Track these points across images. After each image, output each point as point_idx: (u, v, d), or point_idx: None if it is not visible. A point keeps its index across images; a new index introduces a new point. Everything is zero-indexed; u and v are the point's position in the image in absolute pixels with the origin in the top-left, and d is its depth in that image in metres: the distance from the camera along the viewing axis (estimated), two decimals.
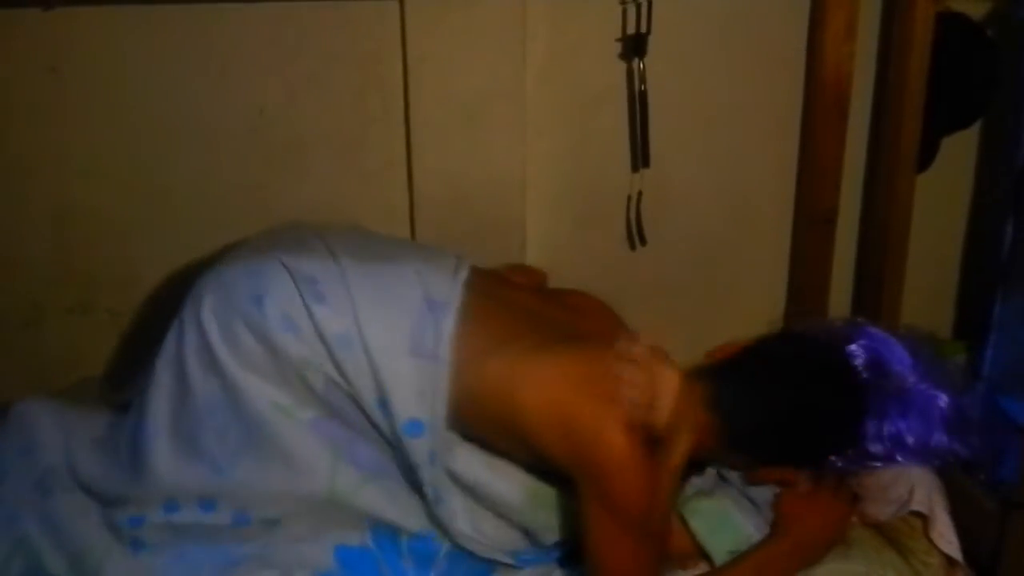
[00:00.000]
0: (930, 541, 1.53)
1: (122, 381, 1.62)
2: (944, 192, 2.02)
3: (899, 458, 1.55)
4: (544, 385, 1.38)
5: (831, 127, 1.88)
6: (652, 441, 1.39)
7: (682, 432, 1.42)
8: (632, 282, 1.95)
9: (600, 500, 1.35)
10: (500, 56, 1.77)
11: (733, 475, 1.61)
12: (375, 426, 1.43)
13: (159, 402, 1.43)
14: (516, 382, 1.39)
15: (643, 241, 1.92)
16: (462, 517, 1.46)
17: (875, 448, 1.51)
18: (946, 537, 1.52)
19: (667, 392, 1.43)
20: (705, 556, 1.52)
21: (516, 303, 1.55)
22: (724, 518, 1.53)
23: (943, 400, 1.54)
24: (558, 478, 1.45)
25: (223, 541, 1.42)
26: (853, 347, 1.53)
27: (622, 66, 1.82)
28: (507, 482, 1.46)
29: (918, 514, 1.55)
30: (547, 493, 1.47)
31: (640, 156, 1.85)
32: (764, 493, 1.57)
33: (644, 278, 1.97)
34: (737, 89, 1.90)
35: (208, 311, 1.42)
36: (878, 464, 1.57)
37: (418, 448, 1.41)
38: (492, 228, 1.86)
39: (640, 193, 1.89)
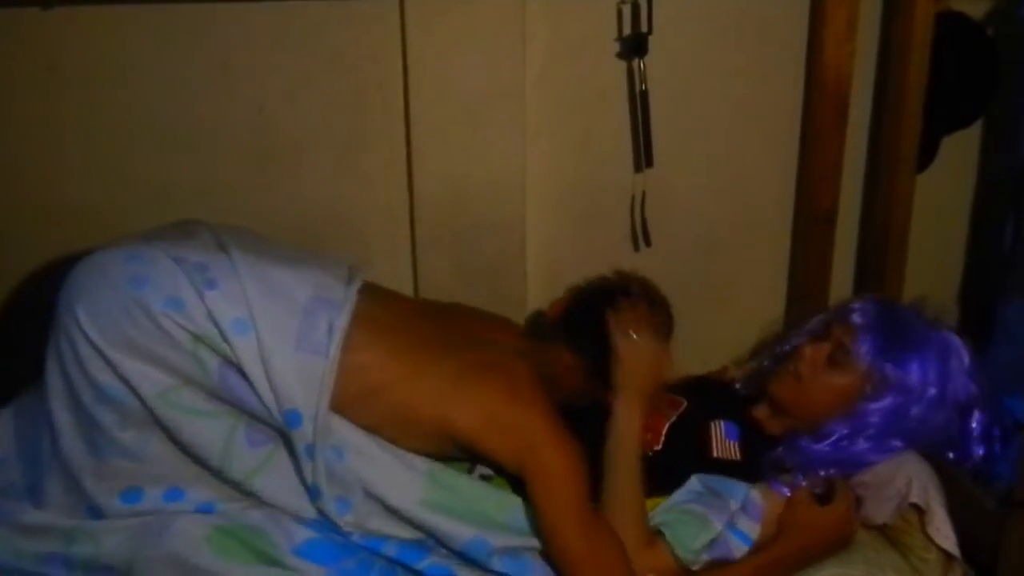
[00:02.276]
0: (927, 536, 1.53)
1: None
2: (945, 192, 2.02)
3: (918, 405, 1.57)
4: (477, 405, 1.48)
5: (831, 127, 1.88)
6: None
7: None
8: None
9: (546, 479, 1.44)
10: (500, 56, 1.77)
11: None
12: (268, 409, 1.42)
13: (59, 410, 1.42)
14: (449, 406, 1.47)
15: (648, 242, 1.92)
16: (351, 511, 1.44)
17: (899, 378, 1.58)
18: (943, 532, 1.53)
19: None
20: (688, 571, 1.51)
21: (412, 312, 1.62)
22: (688, 515, 1.53)
23: (955, 340, 1.64)
24: (453, 485, 1.49)
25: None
26: (853, 304, 1.67)
27: (623, 66, 1.82)
28: (399, 488, 1.46)
29: (915, 508, 1.55)
30: (441, 498, 1.47)
31: (643, 156, 1.85)
32: (735, 489, 1.58)
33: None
34: (738, 89, 1.90)
35: (85, 302, 1.39)
36: (898, 443, 1.58)
37: (297, 439, 1.41)
38: (492, 228, 1.86)
39: (644, 193, 1.89)
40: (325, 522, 1.44)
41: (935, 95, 1.85)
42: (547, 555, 1.47)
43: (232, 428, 1.42)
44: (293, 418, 1.41)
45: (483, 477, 1.56)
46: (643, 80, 1.79)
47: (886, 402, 1.59)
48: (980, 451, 1.63)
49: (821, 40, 1.83)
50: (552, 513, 1.44)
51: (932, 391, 1.60)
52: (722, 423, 1.69)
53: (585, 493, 1.46)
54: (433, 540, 1.47)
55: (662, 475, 1.59)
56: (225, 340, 1.39)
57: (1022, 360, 1.84)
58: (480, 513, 1.47)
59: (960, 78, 1.88)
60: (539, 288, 1.94)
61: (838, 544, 1.54)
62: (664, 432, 1.66)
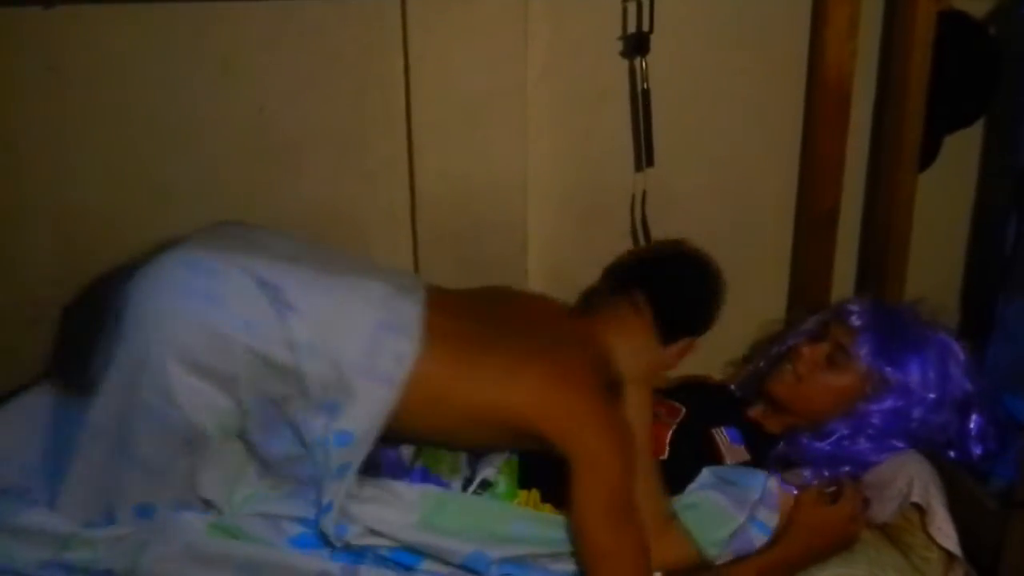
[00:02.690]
0: (928, 536, 1.54)
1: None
2: (946, 191, 2.02)
3: (918, 406, 1.58)
4: (529, 390, 1.48)
5: (833, 126, 1.88)
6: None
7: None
8: None
9: (588, 465, 1.44)
10: (501, 54, 1.77)
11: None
12: (294, 429, 1.44)
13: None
14: (504, 393, 1.48)
15: (648, 242, 1.92)
16: (349, 533, 1.45)
17: (903, 378, 1.61)
18: (944, 531, 1.53)
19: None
20: (703, 560, 1.51)
21: (466, 309, 1.60)
22: (708, 506, 1.53)
23: (950, 340, 1.66)
24: (447, 502, 1.49)
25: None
26: (849, 305, 1.68)
27: (624, 65, 1.82)
28: (393, 515, 1.47)
29: (916, 507, 1.55)
30: (436, 516, 1.47)
31: (644, 155, 1.85)
32: (753, 479, 1.58)
33: None
34: (739, 87, 1.90)
35: (154, 313, 1.39)
36: (899, 444, 1.59)
37: (336, 457, 1.42)
38: (493, 227, 1.86)
39: (644, 193, 1.89)
40: (312, 521, 1.44)
41: (937, 94, 1.85)
42: (552, 560, 1.47)
43: (246, 460, 1.45)
44: (344, 438, 1.42)
45: (483, 482, 1.55)
46: (644, 79, 1.79)
47: (886, 403, 1.60)
48: (978, 450, 1.64)
49: (823, 39, 1.83)
50: (586, 499, 1.44)
51: (931, 391, 1.61)
52: (723, 430, 1.69)
53: (625, 485, 1.46)
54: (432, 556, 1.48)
55: (672, 482, 1.59)
56: (297, 364, 1.39)
57: (1022, 360, 1.84)
58: (479, 527, 1.47)
59: (962, 77, 1.87)
60: (540, 287, 1.93)
61: (843, 544, 1.55)
62: (668, 441, 1.67)
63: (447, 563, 1.45)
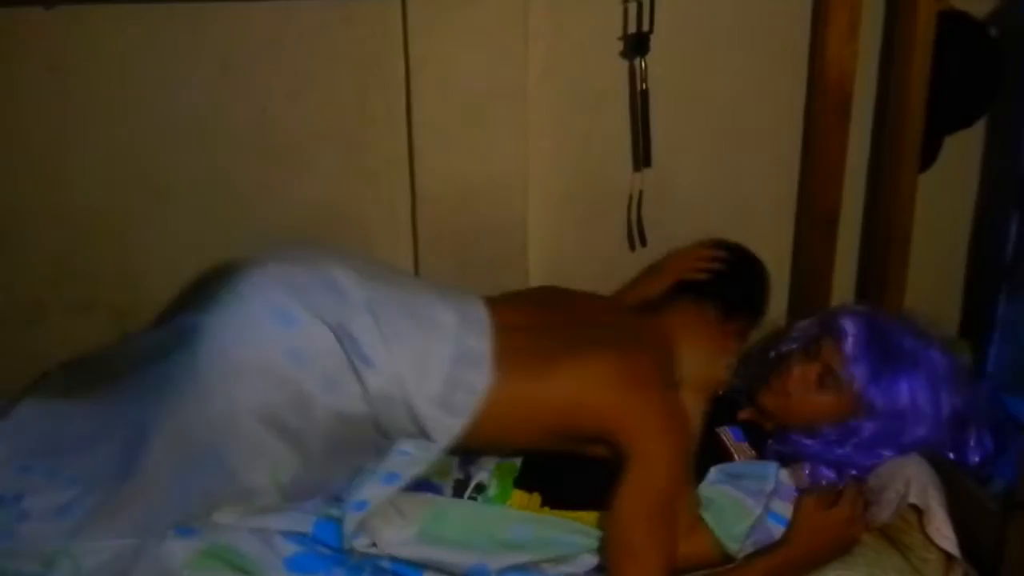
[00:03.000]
0: (927, 537, 1.53)
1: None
2: (947, 192, 2.02)
3: (911, 420, 1.58)
4: (596, 392, 1.50)
5: (833, 126, 1.88)
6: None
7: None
8: None
9: (643, 466, 1.44)
10: (502, 56, 1.77)
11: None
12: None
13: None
14: (573, 397, 1.50)
15: (643, 242, 1.92)
16: (358, 538, 1.44)
17: (891, 404, 1.59)
18: (943, 532, 1.52)
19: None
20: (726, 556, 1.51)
21: (529, 319, 1.61)
22: (724, 501, 1.52)
23: (940, 356, 1.64)
24: (447, 513, 1.49)
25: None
26: (842, 320, 1.66)
27: (624, 65, 1.82)
28: (395, 523, 1.46)
29: (914, 508, 1.55)
30: (436, 527, 1.47)
31: (641, 155, 1.85)
32: (766, 470, 1.58)
33: None
34: (739, 88, 1.90)
35: (232, 355, 1.40)
36: (888, 452, 1.59)
37: (389, 464, 1.44)
38: (493, 227, 1.86)
39: (641, 193, 1.89)
40: (308, 539, 1.43)
41: (937, 95, 1.85)
42: (553, 565, 1.46)
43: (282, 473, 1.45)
44: (403, 453, 1.45)
45: (478, 486, 1.55)
46: (644, 79, 1.79)
47: (875, 424, 1.60)
48: (976, 458, 1.63)
49: (823, 40, 1.83)
50: (632, 497, 1.44)
51: (922, 414, 1.60)
52: (728, 429, 1.69)
53: (673, 491, 1.45)
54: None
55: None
56: (374, 415, 1.43)
57: (1022, 360, 1.84)
58: (479, 536, 1.46)
59: (962, 78, 1.87)
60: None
61: (843, 547, 1.54)
62: None
63: (449, 574, 1.45)
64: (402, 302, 1.52)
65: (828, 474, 1.61)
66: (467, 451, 1.56)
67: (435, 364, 1.47)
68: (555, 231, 1.92)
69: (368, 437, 1.46)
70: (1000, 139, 2.01)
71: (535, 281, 1.92)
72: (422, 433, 1.46)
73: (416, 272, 1.89)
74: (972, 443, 1.64)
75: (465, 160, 1.82)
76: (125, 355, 1.58)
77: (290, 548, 1.42)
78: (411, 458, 1.45)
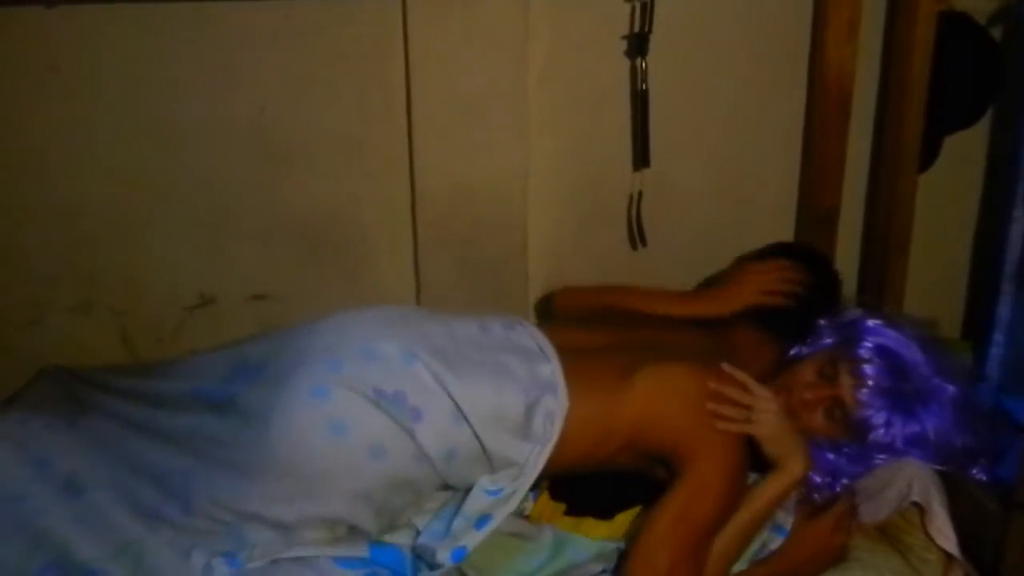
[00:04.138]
0: (928, 536, 1.53)
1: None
2: (947, 191, 2.02)
3: (914, 452, 1.57)
4: (660, 414, 1.49)
5: (833, 126, 1.88)
6: None
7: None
8: (634, 281, 1.94)
9: (692, 489, 1.43)
10: (502, 55, 1.77)
11: None
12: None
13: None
14: (639, 416, 1.48)
15: (643, 242, 1.92)
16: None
17: (893, 444, 1.57)
18: (943, 532, 1.52)
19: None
20: None
21: (597, 343, 1.61)
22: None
23: (957, 391, 1.60)
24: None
25: None
26: (863, 350, 1.59)
27: (624, 65, 1.82)
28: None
29: (917, 507, 1.55)
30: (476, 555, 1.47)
31: (640, 155, 1.84)
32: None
33: (646, 278, 1.96)
34: (739, 88, 1.90)
35: (285, 436, 1.38)
36: (881, 461, 1.59)
37: (482, 506, 1.44)
38: (493, 227, 1.86)
39: (640, 193, 1.89)
40: (365, 562, 1.41)
41: (937, 94, 1.85)
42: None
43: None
44: (494, 492, 1.45)
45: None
46: (644, 79, 1.79)
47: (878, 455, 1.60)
48: (981, 477, 1.62)
49: (823, 39, 1.83)
50: (672, 517, 1.41)
51: (929, 450, 1.59)
52: None
53: (711, 523, 1.43)
54: None
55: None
56: (435, 471, 1.41)
57: (1022, 360, 1.84)
58: (498, 564, 1.47)
59: (962, 78, 1.87)
60: (540, 287, 1.94)
61: (828, 555, 1.53)
62: None
63: None
64: (451, 344, 1.49)
65: (818, 479, 1.60)
66: (544, 478, 1.54)
67: (508, 397, 1.45)
68: (555, 231, 1.92)
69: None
70: (1000, 139, 2.01)
71: (535, 281, 1.92)
72: (507, 464, 1.45)
73: (416, 271, 1.89)
74: (979, 467, 1.62)
75: (465, 160, 1.82)
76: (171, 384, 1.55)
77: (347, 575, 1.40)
78: (502, 496, 1.44)
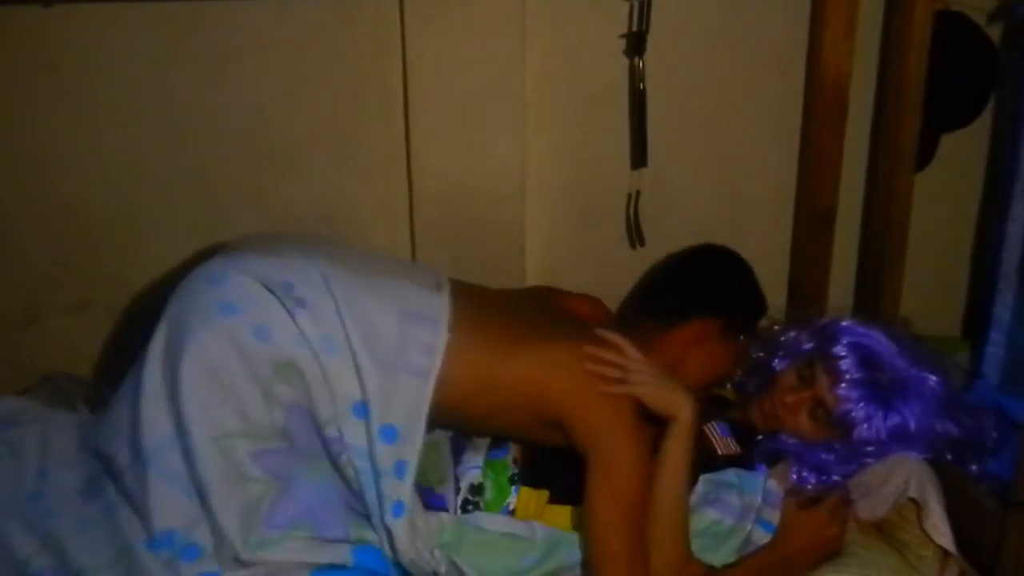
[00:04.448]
0: (924, 533, 1.53)
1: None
2: (944, 190, 2.02)
3: (899, 446, 1.57)
4: (567, 381, 1.48)
5: (831, 125, 1.88)
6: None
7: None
8: (631, 281, 1.95)
9: (608, 469, 1.43)
10: (499, 54, 1.77)
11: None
12: (328, 446, 1.43)
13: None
14: (543, 378, 1.48)
15: (641, 241, 1.92)
16: (406, 530, 1.43)
17: (878, 438, 1.57)
18: (940, 529, 1.53)
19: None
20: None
21: (506, 309, 1.59)
22: (716, 530, 1.52)
23: (935, 381, 1.62)
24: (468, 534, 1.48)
25: None
26: (837, 347, 1.61)
27: (622, 64, 1.82)
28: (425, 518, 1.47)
29: (913, 503, 1.55)
30: (456, 543, 1.47)
31: (638, 155, 1.85)
32: (753, 484, 1.57)
33: (644, 277, 1.97)
34: (737, 87, 1.90)
35: (176, 326, 1.41)
36: (871, 460, 1.59)
37: (388, 454, 1.41)
38: (491, 226, 1.86)
39: (638, 192, 1.89)
40: (349, 572, 1.42)
41: (934, 93, 1.85)
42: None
43: (260, 499, 1.41)
44: (389, 433, 1.42)
45: (472, 488, 1.53)
46: (641, 79, 1.79)
47: (865, 450, 1.60)
48: (973, 467, 1.63)
49: (820, 39, 1.83)
50: (604, 503, 1.43)
51: (914, 441, 1.60)
52: (714, 424, 1.69)
53: (643, 487, 1.44)
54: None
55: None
56: (317, 360, 1.39)
57: (1021, 360, 1.84)
58: (492, 563, 1.47)
59: (959, 76, 1.87)
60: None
61: (824, 546, 1.53)
62: None
63: None
64: (352, 259, 1.51)
65: (811, 478, 1.61)
66: (435, 425, 1.51)
67: (385, 314, 1.44)
68: (552, 230, 1.92)
69: (327, 406, 1.41)
70: (997, 138, 2.01)
71: (533, 280, 1.92)
72: (382, 393, 1.41)
73: None
74: (970, 459, 1.63)
75: (462, 159, 1.82)
76: None
77: None
78: (401, 435, 1.42)
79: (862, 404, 1.58)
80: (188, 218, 1.81)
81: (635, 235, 1.92)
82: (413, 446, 1.43)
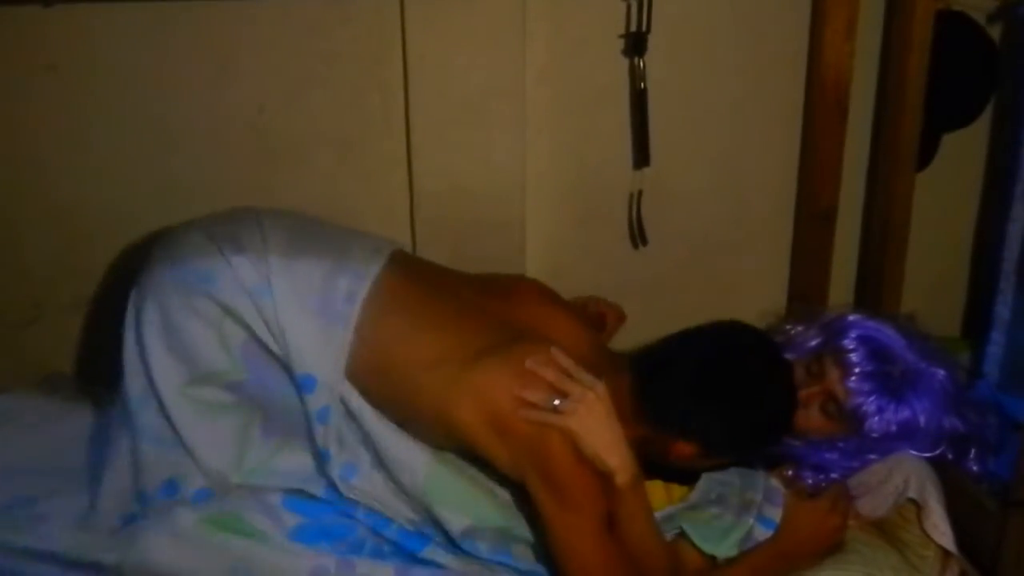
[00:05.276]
0: (925, 533, 1.54)
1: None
2: (945, 190, 2.02)
3: (905, 443, 1.57)
4: (482, 403, 1.40)
5: (831, 125, 1.88)
6: None
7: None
8: (633, 280, 1.96)
9: (552, 496, 1.37)
10: (500, 54, 1.77)
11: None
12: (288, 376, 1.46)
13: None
14: (451, 399, 1.41)
15: (644, 240, 1.92)
16: (357, 476, 1.46)
17: (887, 431, 1.57)
18: (940, 528, 1.53)
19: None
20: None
21: (444, 288, 1.56)
22: (717, 525, 1.52)
23: (944, 375, 1.61)
24: (453, 478, 1.47)
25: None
26: (846, 340, 1.59)
27: (622, 64, 1.82)
28: (404, 465, 1.45)
29: (913, 503, 1.55)
30: (442, 486, 1.46)
31: (640, 154, 1.85)
32: (754, 482, 1.57)
33: (645, 276, 1.98)
34: (738, 87, 1.90)
35: (138, 294, 1.48)
36: (874, 456, 1.59)
37: (311, 403, 1.44)
38: (492, 226, 1.86)
39: (640, 192, 1.89)
40: (315, 505, 1.47)
41: (935, 93, 1.85)
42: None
43: (248, 422, 1.47)
44: (308, 382, 1.44)
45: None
46: (642, 78, 1.79)
47: (873, 444, 1.60)
48: (974, 468, 1.63)
49: (821, 39, 1.83)
50: (561, 529, 1.38)
51: (920, 436, 1.59)
52: None
53: (601, 519, 1.38)
54: (432, 526, 1.48)
55: (677, 476, 1.60)
56: (253, 303, 1.43)
57: (1021, 360, 1.84)
58: (477, 511, 1.47)
59: (960, 76, 1.87)
60: None
61: (824, 541, 1.53)
62: None
63: (446, 532, 1.46)
64: (303, 223, 1.55)
65: (810, 478, 1.61)
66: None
67: (315, 264, 1.46)
68: (553, 230, 1.92)
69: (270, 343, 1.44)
70: (998, 137, 2.01)
71: None
72: (304, 340, 1.42)
73: None
74: (972, 456, 1.63)
75: (463, 159, 1.82)
76: None
77: (294, 519, 1.46)
78: (319, 386, 1.43)
79: (873, 397, 1.57)
80: (188, 218, 1.79)
81: (637, 235, 1.92)
82: (332, 395, 1.43)
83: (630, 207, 1.91)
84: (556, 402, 1.37)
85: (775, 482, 1.59)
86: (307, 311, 1.43)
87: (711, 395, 1.45)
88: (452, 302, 1.53)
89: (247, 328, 1.44)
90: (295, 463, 1.48)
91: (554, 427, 1.36)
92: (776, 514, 1.54)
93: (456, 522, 1.45)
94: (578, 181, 1.91)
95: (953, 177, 2.03)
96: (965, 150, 2.02)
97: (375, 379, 1.45)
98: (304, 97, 1.77)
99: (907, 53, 1.81)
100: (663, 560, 1.45)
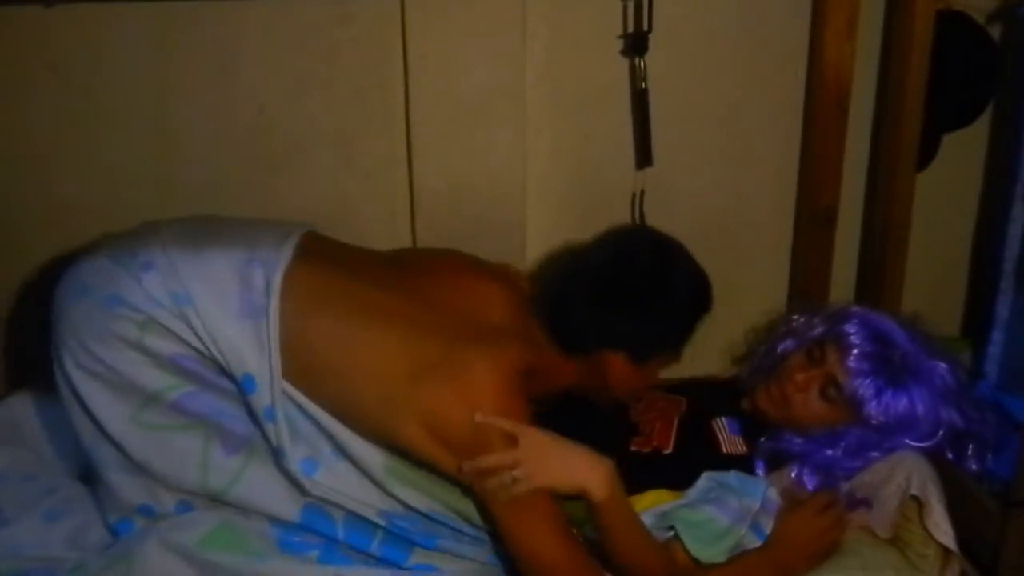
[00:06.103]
0: (926, 531, 1.54)
1: None
2: (946, 189, 2.02)
3: (904, 434, 1.57)
4: (422, 414, 1.40)
5: (832, 125, 1.88)
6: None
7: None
8: None
9: (511, 503, 1.38)
10: (501, 54, 1.77)
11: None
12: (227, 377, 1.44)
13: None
14: (399, 419, 1.41)
15: None
16: (319, 471, 1.44)
17: (886, 417, 1.58)
18: (941, 527, 1.53)
19: None
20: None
21: (365, 272, 1.53)
22: (712, 527, 1.52)
23: (944, 369, 1.63)
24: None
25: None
26: (848, 326, 1.62)
27: (623, 64, 1.82)
28: (363, 448, 1.44)
29: (915, 500, 1.55)
30: (403, 467, 1.46)
31: (642, 154, 1.84)
32: (755, 489, 1.57)
33: None
34: (738, 87, 1.90)
35: (55, 344, 1.43)
36: (876, 454, 1.59)
37: (256, 404, 1.41)
38: (492, 227, 1.86)
39: (643, 192, 1.89)
40: (296, 528, 1.45)
41: (936, 93, 1.85)
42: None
43: (207, 441, 1.43)
44: (247, 383, 1.41)
45: None
46: (643, 78, 1.79)
47: (868, 432, 1.60)
48: (973, 466, 1.63)
49: (822, 38, 1.83)
50: (521, 534, 1.39)
51: (918, 427, 1.60)
52: (723, 420, 1.70)
53: (558, 510, 1.39)
54: (403, 516, 1.47)
55: (675, 475, 1.60)
56: (171, 312, 1.39)
57: (1022, 360, 1.84)
58: (438, 494, 1.47)
59: (960, 76, 1.87)
60: None
61: (813, 547, 1.53)
62: (673, 434, 1.67)
63: (416, 512, 1.45)
64: (205, 224, 1.52)
65: (811, 479, 1.61)
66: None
67: (227, 266, 1.42)
68: (554, 230, 1.92)
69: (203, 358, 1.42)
70: (998, 137, 2.01)
71: None
72: (236, 342, 1.40)
73: None
74: (970, 454, 1.64)
75: (464, 159, 1.82)
76: None
77: (274, 532, 1.45)
78: (259, 386, 1.41)
79: (872, 379, 1.59)
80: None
81: None
82: (272, 390, 1.40)
83: (632, 207, 1.91)
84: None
85: (773, 493, 1.59)
86: (230, 312, 1.40)
87: (614, 298, 1.49)
88: (375, 292, 1.49)
89: (174, 338, 1.40)
90: (263, 478, 1.44)
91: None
92: (769, 525, 1.55)
93: (421, 504, 1.45)
94: (578, 181, 1.91)
95: (953, 177, 2.03)
96: (965, 150, 2.02)
97: (311, 381, 1.43)
98: (304, 97, 1.77)
99: (907, 53, 1.81)
100: (660, 568, 1.46)
